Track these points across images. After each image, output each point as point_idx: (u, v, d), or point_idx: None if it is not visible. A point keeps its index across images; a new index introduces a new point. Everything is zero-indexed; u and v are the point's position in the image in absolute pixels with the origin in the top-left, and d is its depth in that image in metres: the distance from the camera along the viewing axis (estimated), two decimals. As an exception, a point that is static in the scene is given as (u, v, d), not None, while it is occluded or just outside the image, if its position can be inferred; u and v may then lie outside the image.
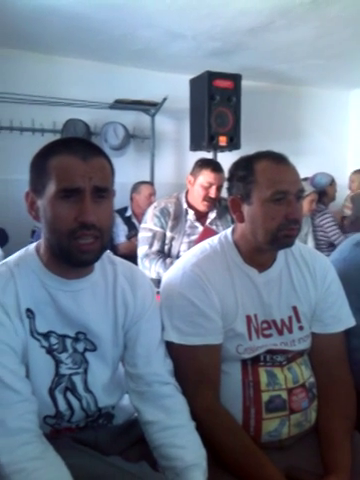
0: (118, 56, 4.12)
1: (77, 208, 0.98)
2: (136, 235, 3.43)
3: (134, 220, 3.81)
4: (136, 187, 3.88)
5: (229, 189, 1.32)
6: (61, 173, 0.98)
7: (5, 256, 2.80)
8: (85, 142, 1.06)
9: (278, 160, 1.24)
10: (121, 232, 3.77)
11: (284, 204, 1.20)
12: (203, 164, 2.66)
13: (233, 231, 1.35)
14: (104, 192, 1.02)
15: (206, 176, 2.60)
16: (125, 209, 3.84)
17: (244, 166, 1.26)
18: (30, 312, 1.06)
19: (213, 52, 3.93)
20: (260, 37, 3.59)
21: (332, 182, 4.09)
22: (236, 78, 3.73)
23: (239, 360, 1.27)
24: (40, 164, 1.02)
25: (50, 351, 1.09)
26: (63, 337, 1.10)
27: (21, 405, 1.00)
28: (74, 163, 0.99)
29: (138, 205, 3.84)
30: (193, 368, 1.22)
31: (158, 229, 2.67)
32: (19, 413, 0.99)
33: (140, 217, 3.74)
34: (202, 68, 3.73)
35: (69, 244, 1.00)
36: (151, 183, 4.02)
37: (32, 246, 1.14)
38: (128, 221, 3.79)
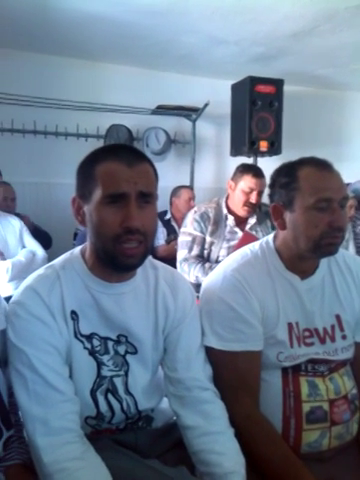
0: (161, 62, 4.17)
1: (122, 213, 1.00)
2: (176, 239, 3.45)
3: (173, 223, 3.83)
4: (176, 191, 3.91)
5: (271, 196, 1.31)
6: (107, 179, 1.00)
7: (49, 258, 2.89)
8: (130, 149, 1.08)
9: (322, 167, 1.22)
10: (160, 235, 3.79)
11: (328, 212, 1.17)
12: (244, 169, 2.64)
13: (275, 237, 1.34)
14: (149, 197, 1.03)
15: (247, 181, 2.58)
16: (165, 212, 3.87)
17: (287, 173, 1.24)
18: (74, 314, 1.09)
19: (256, 57, 3.92)
20: (304, 42, 3.55)
21: None
22: (278, 83, 3.69)
23: (279, 368, 1.25)
24: (87, 170, 1.05)
25: (92, 353, 1.11)
26: (105, 339, 1.12)
27: (64, 405, 1.02)
28: (120, 169, 1.01)
29: (177, 209, 3.86)
30: (232, 374, 1.21)
31: (198, 234, 2.67)
32: (62, 413, 1.01)
33: (179, 221, 3.75)
34: (244, 73, 3.72)
35: (114, 248, 1.02)
36: (191, 187, 4.03)
37: (77, 249, 1.17)
38: (167, 224, 3.81)
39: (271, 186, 1.30)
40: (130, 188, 1.00)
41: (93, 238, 1.06)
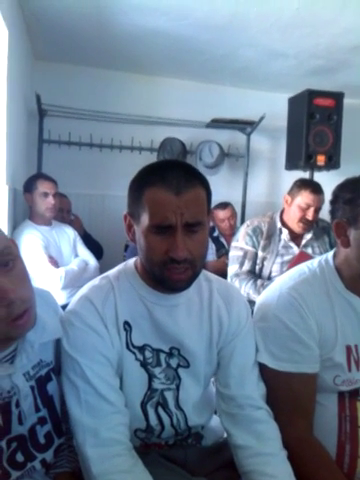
0: (217, 76, 4.18)
1: (168, 242, 0.99)
2: (226, 254, 3.41)
3: (222, 239, 3.79)
4: (212, 211, 3.76)
5: (333, 212, 1.26)
6: (154, 208, 0.99)
7: (100, 269, 2.93)
8: (181, 170, 1.02)
9: None
10: (210, 250, 3.75)
11: None
12: (302, 184, 2.58)
13: (335, 255, 1.28)
14: (196, 226, 1.01)
15: (305, 197, 2.52)
16: (213, 229, 3.83)
17: (351, 189, 1.19)
18: (127, 325, 1.08)
19: (314, 70, 3.86)
20: (365, 55, 3.46)
21: None
22: (338, 96, 3.60)
23: (336, 392, 1.20)
24: (136, 193, 1.04)
25: (144, 364, 1.11)
26: (157, 351, 1.11)
27: (114, 417, 1.02)
28: (166, 198, 0.98)
29: (219, 228, 3.81)
30: (287, 395, 1.17)
31: (250, 248, 2.63)
32: (112, 424, 1.00)
33: (227, 237, 3.72)
34: (302, 86, 3.66)
35: (162, 273, 1.02)
36: (226, 205, 3.79)
37: (131, 261, 1.17)
38: (216, 240, 3.78)
39: (333, 202, 1.25)
40: (176, 219, 0.98)
41: (143, 260, 1.07)
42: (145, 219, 1.00)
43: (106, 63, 4.00)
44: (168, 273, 1.01)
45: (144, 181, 1.02)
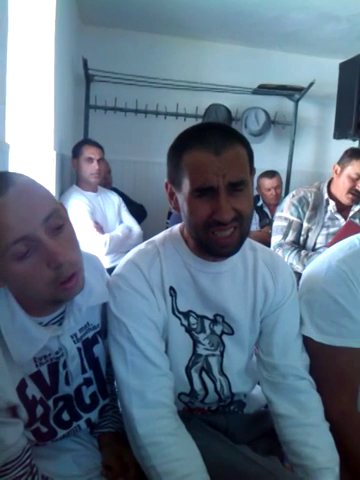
0: (266, 40, 4.04)
1: (212, 205, 0.97)
2: (269, 224, 3.36)
3: (266, 209, 3.73)
4: (257, 180, 3.74)
5: None
6: (194, 171, 0.97)
7: (144, 233, 2.97)
8: (218, 129, 1.00)
9: None
10: (253, 220, 3.71)
11: None
12: (354, 154, 2.48)
13: (388, 228, 1.24)
14: (240, 185, 0.98)
15: (356, 167, 2.43)
16: (257, 198, 3.77)
17: None
18: (173, 290, 1.09)
19: (369, 34, 3.66)
20: None
21: None
22: (393, 62, 3.42)
23: (382, 367, 1.17)
24: (175, 159, 1.02)
25: (189, 330, 1.12)
26: (202, 318, 1.12)
27: (160, 379, 1.03)
28: (206, 159, 0.95)
29: (264, 197, 3.75)
30: (332, 369, 1.16)
31: (294, 219, 2.57)
32: (158, 387, 1.02)
33: (272, 207, 3.66)
34: (354, 52, 3.48)
35: (207, 237, 1.00)
36: (273, 174, 3.71)
37: (176, 227, 1.17)
38: (260, 210, 3.73)
39: None
40: (218, 181, 0.95)
41: (187, 226, 1.06)
42: (186, 184, 0.98)
43: (152, 27, 3.93)
44: (214, 238, 1.00)
45: (182, 145, 1.00)
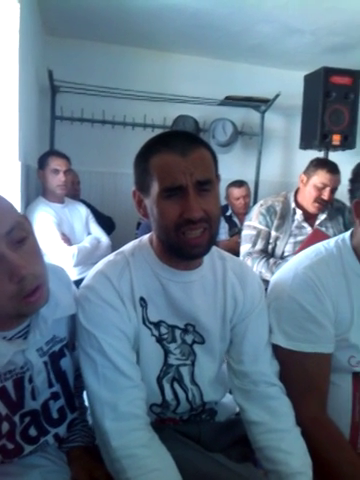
0: (232, 52, 4.10)
1: (182, 205, 0.98)
2: (239, 233, 3.39)
3: (235, 219, 3.77)
4: (226, 189, 3.81)
5: (352, 191, 1.23)
6: (162, 172, 0.98)
7: (112, 244, 2.94)
8: (183, 135, 1.04)
9: None
10: (222, 230, 3.73)
11: None
12: (319, 164, 2.54)
13: (352, 235, 1.26)
14: (207, 184, 1.00)
15: (321, 177, 2.48)
16: (226, 208, 3.81)
17: None
18: (143, 300, 1.08)
19: (332, 48, 3.76)
20: (385, 31, 3.37)
21: None
22: (355, 74, 3.51)
23: (350, 372, 1.20)
24: (142, 164, 1.03)
25: (160, 340, 1.11)
26: (173, 327, 1.11)
27: (132, 391, 1.02)
28: (173, 160, 0.98)
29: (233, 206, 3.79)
30: (301, 375, 1.17)
31: (263, 227, 2.61)
32: (130, 399, 1.01)
33: (240, 216, 3.69)
34: (318, 64, 3.58)
35: (178, 239, 1.00)
36: (242, 183, 3.77)
37: (146, 237, 1.16)
38: (229, 219, 3.76)
39: (353, 180, 1.23)
40: (186, 179, 0.97)
41: (157, 231, 1.06)
42: (155, 186, 0.99)
43: (119, 39, 3.93)
44: (185, 239, 1.00)
45: (149, 151, 1.02)
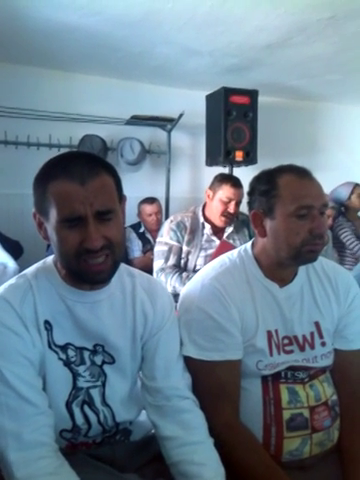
0: (135, 73, 4.16)
1: (81, 234, 0.96)
2: (151, 249, 3.42)
3: (148, 235, 3.81)
4: (138, 206, 3.87)
5: (250, 203, 1.30)
6: (60, 201, 0.95)
7: (20, 269, 2.83)
8: (84, 158, 1.01)
9: (301, 174, 1.22)
10: (135, 247, 3.76)
11: (308, 219, 1.18)
12: (223, 179, 2.65)
13: (253, 245, 1.33)
14: (108, 214, 0.99)
15: (226, 191, 2.59)
16: (139, 225, 3.85)
17: (266, 180, 1.24)
18: (48, 324, 1.05)
19: (230, 68, 3.94)
20: (277, 53, 3.59)
21: (353, 191, 4.00)
22: (253, 94, 3.74)
23: (259, 376, 1.24)
24: (40, 188, 1.00)
25: (68, 364, 1.08)
26: (81, 349, 1.09)
27: (38, 418, 0.98)
28: (72, 190, 0.95)
29: (146, 223, 3.85)
30: (212, 384, 1.20)
31: (174, 243, 2.66)
32: (36, 426, 0.97)
33: (153, 233, 3.73)
34: (218, 84, 3.74)
35: (79, 266, 0.99)
36: (154, 200, 3.90)
37: (50, 259, 1.13)
38: (142, 236, 3.79)
39: (250, 193, 1.30)
40: (86, 210, 0.95)
41: (58, 257, 1.04)
42: (53, 214, 0.96)
43: (21, 59, 3.83)
44: (86, 266, 0.99)
45: (47, 175, 0.99)
